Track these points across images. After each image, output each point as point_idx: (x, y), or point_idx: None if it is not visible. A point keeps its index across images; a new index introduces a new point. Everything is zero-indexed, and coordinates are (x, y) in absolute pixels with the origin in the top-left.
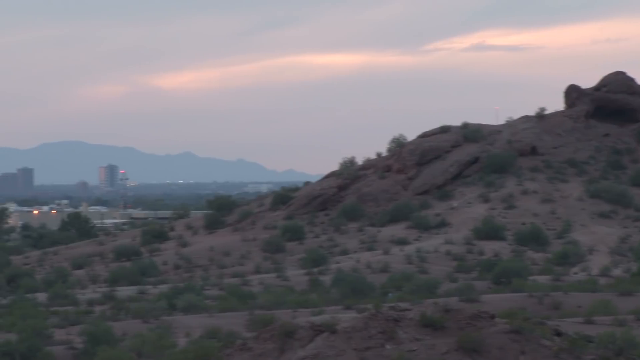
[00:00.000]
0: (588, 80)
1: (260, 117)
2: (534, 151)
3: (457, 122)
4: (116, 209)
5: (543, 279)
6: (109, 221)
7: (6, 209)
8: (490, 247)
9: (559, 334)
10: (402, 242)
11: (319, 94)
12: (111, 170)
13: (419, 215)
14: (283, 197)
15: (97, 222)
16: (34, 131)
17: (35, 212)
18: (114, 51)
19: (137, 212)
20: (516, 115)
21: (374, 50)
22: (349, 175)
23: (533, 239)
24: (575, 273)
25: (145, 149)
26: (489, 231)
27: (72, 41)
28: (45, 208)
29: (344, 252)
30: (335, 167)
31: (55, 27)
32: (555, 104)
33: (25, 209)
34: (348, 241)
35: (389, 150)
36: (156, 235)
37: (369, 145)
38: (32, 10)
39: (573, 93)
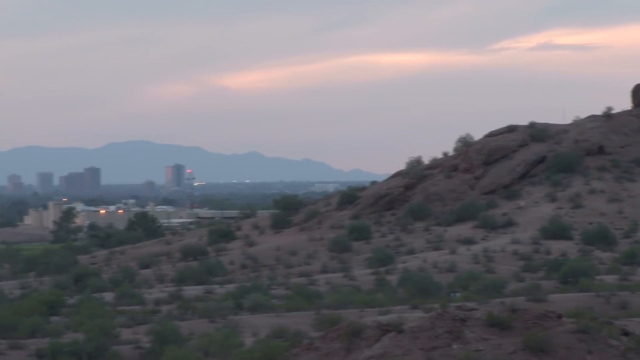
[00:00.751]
0: None
1: (327, 117)
2: (601, 150)
3: (524, 121)
4: (183, 208)
5: (610, 278)
6: (175, 221)
7: (73, 208)
8: (557, 247)
9: (626, 333)
10: (468, 241)
11: (386, 94)
12: (178, 169)
13: (485, 214)
14: (350, 196)
15: (163, 221)
16: (101, 131)
17: (102, 211)
18: (182, 51)
19: (204, 212)
20: (583, 115)
21: (441, 50)
22: (416, 174)
23: (600, 238)
24: None
25: (212, 148)
26: (556, 231)
27: (140, 41)
28: (112, 208)
29: (411, 252)
30: (401, 166)
31: (124, 28)
32: (623, 103)
33: (92, 208)
34: (414, 241)
35: (456, 149)
36: (223, 234)
37: (436, 145)
38: (101, 11)
39: None
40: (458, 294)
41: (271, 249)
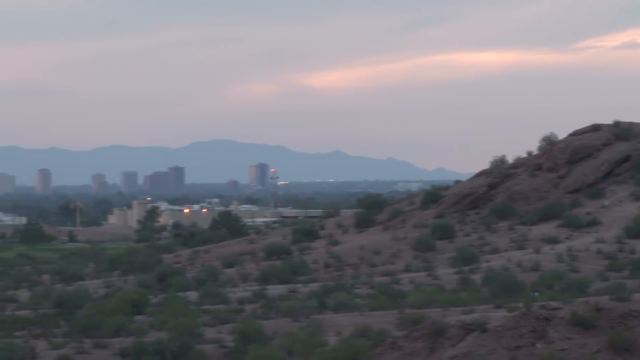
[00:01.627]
0: None
1: (410, 116)
2: None
3: (608, 120)
4: (267, 207)
5: None
6: (259, 220)
7: (157, 207)
8: None
9: None
10: (552, 240)
11: (469, 93)
12: (262, 168)
13: (569, 213)
14: (433, 195)
15: (247, 220)
16: (186, 130)
17: (186, 210)
18: (266, 50)
19: (288, 211)
20: None
21: (524, 49)
22: (500, 173)
23: None
24: None
25: (295, 147)
26: None
27: (224, 40)
28: (195, 207)
29: (495, 251)
30: (485, 165)
31: (208, 27)
32: None
33: (176, 207)
34: (498, 240)
35: (540, 148)
36: (307, 233)
37: (520, 144)
38: (185, 10)
39: None
40: (537, 294)
41: (355, 248)
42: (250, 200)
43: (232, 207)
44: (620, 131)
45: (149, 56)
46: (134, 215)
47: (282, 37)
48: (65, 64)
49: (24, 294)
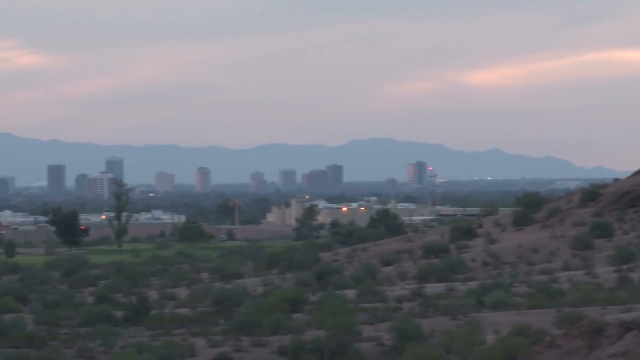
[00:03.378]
0: None
1: (569, 114)
2: None
3: None
4: (424, 205)
5: None
6: (417, 218)
7: (316, 205)
8: None
9: None
10: None
11: (629, 90)
12: (419, 167)
13: None
14: (592, 193)
15: (405, 219)
16: (344, 128)
17: (344, 208)
18: (424, 48)
19: (445, 209)
20: None
21: None
22: None
23: None
24: None
25: (453, 145)
26: None
27: (382, 38)
28: (354, 205)
29: None
30: None
31: (366, 25)
32: None
33: (334, 205)
34: None
35: None
36: (465, 232)
37: None
38: (345, 9)
39: None
40: None
41: (513, 246)
42: (408, 199)
43: (390, 206)
44: None
45: (308, 55)
46: (292, 214)
47: (440, 35)
48: (226, 63)
49: (183, 292)
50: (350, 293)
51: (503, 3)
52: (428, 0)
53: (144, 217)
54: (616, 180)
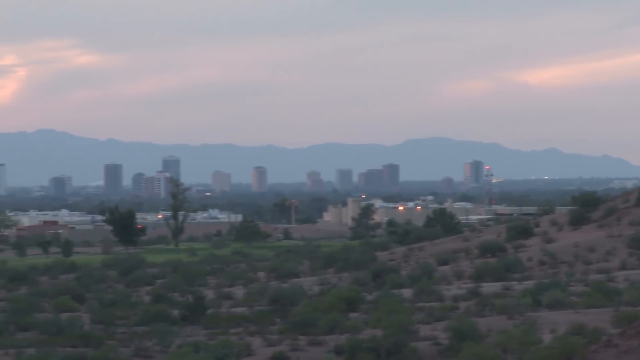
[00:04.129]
0: None
1: (626, 113)
2: None
3: None
4: (481, 205)
5: None
6: (473, 217)
7: (372, 205)
8: None
9: None
10: None
11: None
12: (476, 166)
13: None
14: None
15: (462, 218)
16: (400, 127)
17: (401, 208)
18: (481, 47)
19: (502, 208)
20: None
21: None
22: None
23: None
24: None
25: (510, 145)
26: None
27: (439, 37)
28: (410, 204)
29: None
30: None
31: (424, 24)
32: None
33: (391, 205)
34: None
35: None
36: (521, 231)
37: None
38: (401, 8)
39: None
40: None
41: (569, 245)
42: (465, 198)
43: (446, 205)
44: None
45: (365, 54)
46: (349, 213)
47: (497, 34)
48: (283, 62)
49: (239, 291)
50: (407, 292)
51: (560, 2)
52: (486, 0)
53: (200, 216)
54: None
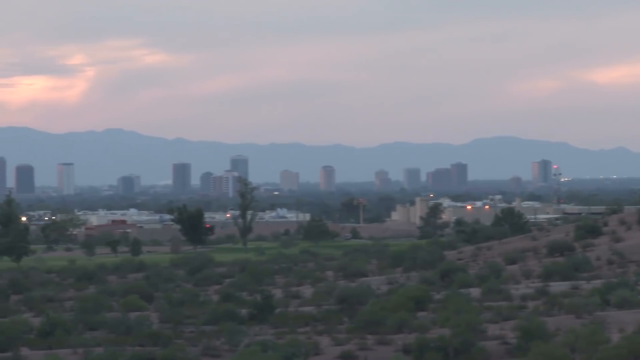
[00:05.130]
0: None
1: None
2: None
3: None
4: (549, 204)
5: None
6: (542, 216)
7: (440, 204)
8: None
9: None
10: None
11: None
12: (544, 165)
13: None
14: None
15: (530, 217)
16: (468, 127)
17: (469, 207)
18: (549, 46)
19: (570, 207)
20: None
21: None
22: None
23: None
24: None
25: (578, 144)
26: None
27: (507, 36)
28: (478, 203)
29: None
30: None
31: (491, 23)
32: None
33: (459, 204)
34: None
35: None
36: (589, 230)
37: None
38: (468, 7)
39: None
40: None
41: (638, 244)
42: (533, 197)
43: (514, 204)
44: None
45: (433, 53)
46: (417, 212)
47: (565, 33)
48: (350, 62)
49: (307, 290)
50: (475, 291)
51: (628, 0)
52: None
53: (268, 215)
54: None
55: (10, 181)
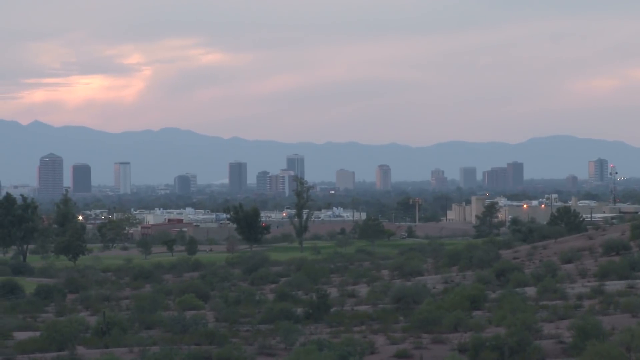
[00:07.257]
0: None
1: None
2: None
3: None
4: (605, 203)
5: None
6: (598, 215)
7: (496, 203)
8: None
9: None
10: None
11: None
12: (600, 164)
13: None
14: None
15: (586, 216)
16: (524, 126)
17: (525, 206)
18: (608, 45)
19: (626, 207)
20: None
21: None
22: None
23: None
24: None
25: (634, 143)
26: None
27: (565, 35)
28: (534, 202)
29: None
30: None
31: (550, 23)
32: None
33: (515, 203)
34: None
35: None
36: None
37: None
38: (529, 6)
39: None
40: None
41: None
42: (589, 196)
43: (570, 203)
44: None
45: (492, 53)
46: (473, 211)
47: (623, 33)
48: (408, 61)
49: (363, 289)
50: (531, 290)
51: None
52: None
53: (324, 214)
54: None
55: (67, 180)
